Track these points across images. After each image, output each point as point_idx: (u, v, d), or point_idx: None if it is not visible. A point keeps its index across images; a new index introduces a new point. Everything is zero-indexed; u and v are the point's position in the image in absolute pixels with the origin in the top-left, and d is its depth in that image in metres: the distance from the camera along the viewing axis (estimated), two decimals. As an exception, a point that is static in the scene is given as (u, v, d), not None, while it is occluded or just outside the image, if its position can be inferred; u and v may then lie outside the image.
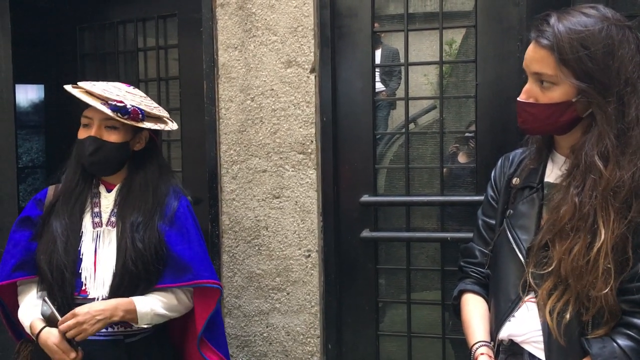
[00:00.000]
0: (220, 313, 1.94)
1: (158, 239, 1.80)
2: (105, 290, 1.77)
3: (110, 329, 1.78)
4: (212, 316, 1.84)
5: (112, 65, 2.87)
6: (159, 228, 1.81)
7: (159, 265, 1.80)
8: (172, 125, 1.93)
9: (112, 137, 1.80)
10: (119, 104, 1.75)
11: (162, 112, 1.91)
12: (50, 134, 3.75)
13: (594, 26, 1.26)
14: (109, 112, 1.74)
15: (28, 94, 3.80)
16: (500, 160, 1.58)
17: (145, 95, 1.93)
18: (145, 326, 1.81)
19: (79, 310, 1.68)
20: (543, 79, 1.31)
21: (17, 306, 1.86)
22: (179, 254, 1.81)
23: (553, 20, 1.29)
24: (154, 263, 1.78)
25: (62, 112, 3.06)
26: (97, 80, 1.90)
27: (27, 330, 1.79)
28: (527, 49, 1.34)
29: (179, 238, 1.83)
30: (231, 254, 2.47)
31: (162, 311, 1.79)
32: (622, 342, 1.24)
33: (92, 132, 1.79)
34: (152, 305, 1.77)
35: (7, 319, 1.93)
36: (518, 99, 1.37)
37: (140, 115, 1.79)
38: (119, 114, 1.75)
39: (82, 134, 1.83)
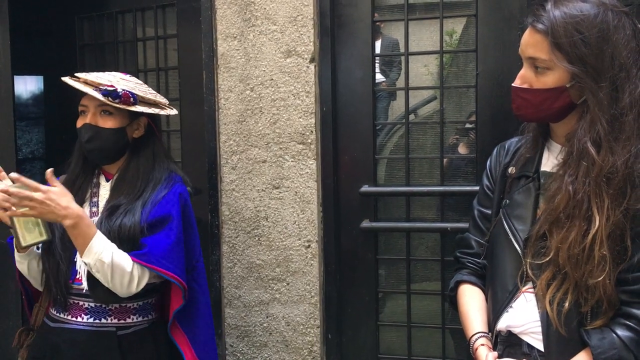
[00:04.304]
0: (203, 309, 1.90)
1: (137, 224, 1.76)
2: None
3: (103, 320, 1.78)
4: (186, 310, 1.82)
5: (112, 55, 2.86)
6: (142, 213, 1.78)
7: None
8: (170, 111, 1.93)
9: (108, 123, 1.82)
10: (109, 88, 1.77)
11: (158, 97, 1.92)
12: (49, 126, 3.75)
13: (590, 11, 1.26)
14: (99, 96, 1.76)
15: (27, 86, 3.79)
16: (495, 149, 1.57)
17: (141, 82, 1.94)
18: (137, 319, 1.82)
19: (52, 194, 1.62)
20: (537, 64, 1.31)
21: (37, 291, 1.91)
22: (149, 230, 1.77)
23: (549, 5, 1.29)
24: (132, 249, 1.75)
25: (62, 104, 3.05)
26: (97, 70, 1.91)
27: (18, 265, 1.82)
28: (523, 34, 1.34)
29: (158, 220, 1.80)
30: (231, 245, 2.47)
31: (107, 260, 1.67)
32: (622, 332, 1.24)
33: (88, 119, 1.82)
34: (103, 250, 1.67)
35: (30, 303, 1.95)
36: (512, 84, 1.36)
37: (132, 99, 1.80)
38: (109, 98, 1.77)
39: (79, 122, 1.86)
